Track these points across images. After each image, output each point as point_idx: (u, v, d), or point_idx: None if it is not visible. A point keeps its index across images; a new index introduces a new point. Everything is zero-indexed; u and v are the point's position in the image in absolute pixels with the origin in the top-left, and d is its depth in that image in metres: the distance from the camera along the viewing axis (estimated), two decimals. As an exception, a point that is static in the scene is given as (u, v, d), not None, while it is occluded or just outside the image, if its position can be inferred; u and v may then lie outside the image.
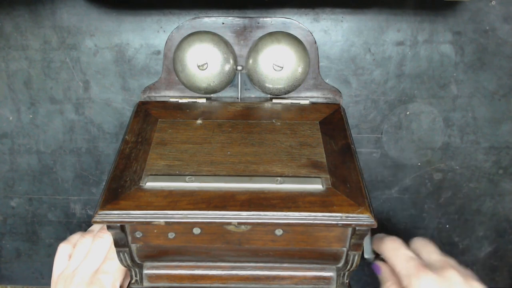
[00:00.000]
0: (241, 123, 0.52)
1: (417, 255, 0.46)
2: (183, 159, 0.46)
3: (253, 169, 0.44)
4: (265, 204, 0.40)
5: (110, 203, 0.41)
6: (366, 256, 0.48)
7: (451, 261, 0.45)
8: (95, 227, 0.54)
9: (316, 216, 0.40)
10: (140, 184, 0.43)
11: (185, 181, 0.43)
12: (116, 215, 0.40)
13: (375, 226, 0.40)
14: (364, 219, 0.40)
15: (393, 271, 0.47)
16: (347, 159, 0.46)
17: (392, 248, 0.47)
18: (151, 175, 0.44)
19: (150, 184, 0.43)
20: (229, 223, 0.40)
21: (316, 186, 0.42)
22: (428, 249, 0.47)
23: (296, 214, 0.40)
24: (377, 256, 0.50)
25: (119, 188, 0.42)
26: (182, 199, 0.41)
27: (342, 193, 0.42)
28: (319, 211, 0.40)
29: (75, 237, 0.54)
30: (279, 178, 0.43)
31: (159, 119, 0.52)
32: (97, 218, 0.40)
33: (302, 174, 0.44)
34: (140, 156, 0.47)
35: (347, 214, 0.40)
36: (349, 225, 0.40)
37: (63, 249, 0.53)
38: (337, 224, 0.40)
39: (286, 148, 0.48)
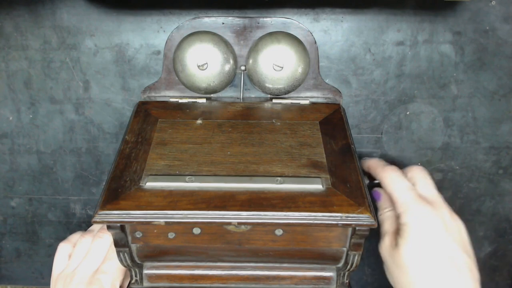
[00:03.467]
0: (241, 123, 0.52)
1: (413, 184, 0.49)
2: (183, 159, 0.46)
3: (253, 169, 0.44)
4: (265, 204, 0.40)
5: (110, 203, 0.41)
6: None
7: (442, 199, 0.49)
8: (95, 227, 0.54)
9: (316, 216, 0.40)
10: (140, 184, 0.43)
11: (185, 181, 0.43)
12: (116, 215, 0.40)
13: (375, 226, 0.40)
14: (364, 219, 0.40)
15: (390, 198, 0.49)
16: (347, 159, 0.46)
17: (393, 177, 0.49)
18: (151, 175, 0.44)
19: (150, 184, 0.43)
20: (229, 223, 0.40)
21: (316, 186, 0.42)
22: (424, 181, 0.49)
23: (296, 214, 0.40)
24: (370, 181, 0.52)
25: (119, 188, 0.42)
26: (182, 199, 0.41)
27: (342, 193, 0.42)
28: (319, 211, 0.40)
29: (75, 237, 0.54)
30: (279, 178, 0.43)
31: (159, 119, 0.52)
32: (97, 218, 0.40)
33: (302, 174, 0.44)
34: (140, 156, 0.47)
35: (347, 214, 0.40)
36: (349, 225, 0.40)
37: (63, 249, 0.53)
38: (337, 224, 0.40)
39: (286, 148, 0.48)
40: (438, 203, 0.47)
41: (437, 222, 0.46)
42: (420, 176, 0.50)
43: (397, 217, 0.47)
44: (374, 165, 0.52)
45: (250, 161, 0.46)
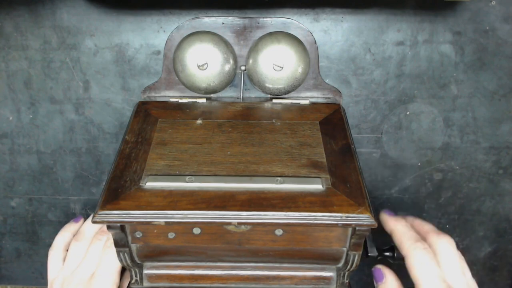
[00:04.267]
0: (241, 123, 0.52)
1: (439, 262, 0.45)
2: (183, 159, 0.46)
3: (253, 169, 0.44)
4: (265, 204, 0.40)
5: (110, 203, 0.41)
6: (370, 254, 0.48)
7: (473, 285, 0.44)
8: (85, 229, 0.54)
9: (316, 216, 0.40)
10: (140, 184, 0.43)
11: (185, 181, 0.43)
12: (116, 215, 0.40)
13: (375, 226, 0.40)
14: (364, 219, 0.40)
15: (396, 281, 0.45)
16: (347, 159, 0.46)
17: (422, 261, 0.44)
18: (151, 175, 0.44)
19: (150, 184, 0.42)
20: (229, 223, 0.40)
21: (316, 186, 0.42)
22: (454, 264, 0.44)
23: (296, 214, 0.40)
24: (380, 253, 0.49)
25: (119, 188, 0.42)
26: (182, 199, 0.41)
27: (342, 193, 0.42)
28: (319, 211, 0.40)
29: (61, 240, 0.54)
30: (279, 178, 0.43)
31: (159, 119, 0.52)
32: (97, 218, 0.40)
33: (302, 174, 0.44)
34: (140, 156, 0.47)
35: (347, 214, 0.40)
36: (349, 225, 0.40)
37: (55, 255, 0.53)
38: (337, 224, 0.40)
39: (286, 148, 0.48)
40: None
41: None
42: (449, 256, 0.44)
43: None
44: (401, 232, 0.46)
45: (250, 161, 0.46)
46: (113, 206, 0.40)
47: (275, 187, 0.42)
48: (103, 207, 0.40)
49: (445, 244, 0.45)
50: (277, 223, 0.40)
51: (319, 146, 0.48)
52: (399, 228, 0.47)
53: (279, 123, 0.52)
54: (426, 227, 0.47)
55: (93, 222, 0.40)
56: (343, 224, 0.40)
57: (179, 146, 0.48)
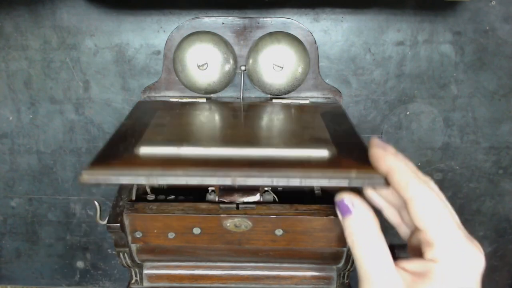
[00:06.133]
0: (241, 123, 0.52)
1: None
2: (181, 134, 0.44)
3: (254, 142, 0.42)
4: (268, 165, 0.36)
5: (99, 164, 0.37)
6: None
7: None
8: None
9: (324, 175, 0.35)
10: (134, 151, 0.39)
11: (181, 148, 0.39)
12: (105, 174, 0.36)
13: (388, 188, 0.35)
14: (376, 178, 0.35)
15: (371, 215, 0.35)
16: (352, 137, 0.43)
17: (434, 205, 0.33)
18: (145, 141, 0.41)
19: (144, 150, 0.39)
20: (223, 188, 0.37)
21: (322, 151, 0.39)
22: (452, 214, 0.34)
23: (302, 173, 0.35)
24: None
25: (112, 153, 0.39)
26: (176, 163, 0.37)
27: (349, 158, 0.38)
28: (327, 170, 0.36)
29: None
30: (282, 147, 0.40)
31: (159, 110, 0.51)
32: (84, 176, 0.36)
33: (306, 145, 0.41)
34: (137, 132, 0.44)
35: (357, 173, 0.35)
36: (361, 185, 0.35)
37: None
38: (347, 184, 0.35)
39: (288, 131, 0.45)
40: (477, 244, 0.33)
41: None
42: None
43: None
44: (403, 172, 0.34)
45: (251, 138, 0.43)
46: (103, 166, 0.37)
47: (279, 153, 0.39)
48: (92, 167, 0.36)
49: (430, 195, 0.34)
50: (283, 185, 0.35)
51: (322, 129, 0.45)
52: (401, 167, 0.36)
53: (279, 120, 0.52)
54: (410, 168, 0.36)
55: (80, 180, 0.36)
56: (353, 185, 0.35)
57: (177, 126, 0.46)
